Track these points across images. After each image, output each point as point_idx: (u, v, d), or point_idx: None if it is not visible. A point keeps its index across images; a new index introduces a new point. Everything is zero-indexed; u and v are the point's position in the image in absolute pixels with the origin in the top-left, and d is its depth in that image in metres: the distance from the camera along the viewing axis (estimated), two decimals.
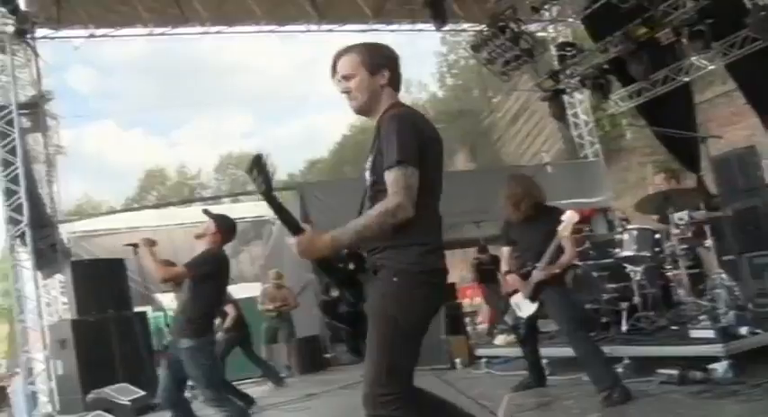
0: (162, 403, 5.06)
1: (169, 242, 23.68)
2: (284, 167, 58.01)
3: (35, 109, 12.65)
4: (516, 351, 7.61)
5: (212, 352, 4.98)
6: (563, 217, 5.39)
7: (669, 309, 6.63)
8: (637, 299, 6.38)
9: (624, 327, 6.34)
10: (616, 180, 18.00)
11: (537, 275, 5.40)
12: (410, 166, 2.60)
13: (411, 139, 2.66)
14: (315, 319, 12.55)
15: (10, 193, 11.46)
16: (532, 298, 5.52)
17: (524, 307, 5.71)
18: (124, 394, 8.44)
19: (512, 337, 7.94)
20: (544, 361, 6.62)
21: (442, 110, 33.06)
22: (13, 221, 11.42)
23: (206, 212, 5.28)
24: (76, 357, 10.02)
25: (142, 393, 8.93)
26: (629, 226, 6.88)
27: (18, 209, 11.43)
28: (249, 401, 7.49)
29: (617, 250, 6.76)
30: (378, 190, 2.71)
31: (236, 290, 19.92)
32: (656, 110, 12.92)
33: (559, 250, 5.42)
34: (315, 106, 70.75)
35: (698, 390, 4.84)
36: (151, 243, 5.00)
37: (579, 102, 15.45)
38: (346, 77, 2.86)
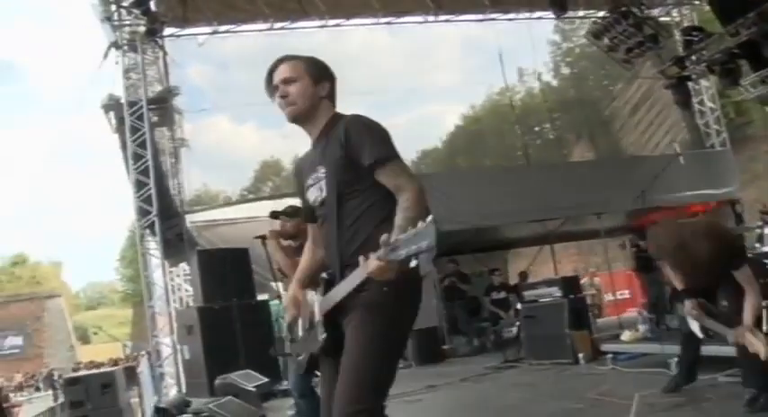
0: (293, 392, 5.16)
1: None
2: None
3: (163, 104, 13.23)
4: (642, 348, 7.44)
5: None
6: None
7: None
8: None
9: (764, 327, 6.00)
10: (741, 170, 17.12)
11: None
12: (400, 159, 2.62)
13: (388, 136, 2.66)
14: (433, 311, 12.60)
15: (140, 185, 12.04)
16: None
17: None
18: (249, 380, 8.70)
19: (638, 333, 7.78)
20: (674, 360, 6.44)
21: (557, 99, 32.49)
22: (142, 212, 12.01)
23: (278, 213, 5.28)
24: (202, 343, 10.44)
25: (265, 379, 9.19)
26: None
27: (147, 201, 12.01)
28: None
29: (756, 245, 6.44)
30: (348, 195, 2.64)
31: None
32: None
33: None
34: (426, 97, 70.72)
35: None
36: (279, 234, 5.10)
37: (705, 88, 14.85)
38: (287, 81, 2.79)
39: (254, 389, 8.18)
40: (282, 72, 2.81)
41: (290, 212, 5.25)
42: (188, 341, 10.90)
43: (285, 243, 5.10)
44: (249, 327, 10.71)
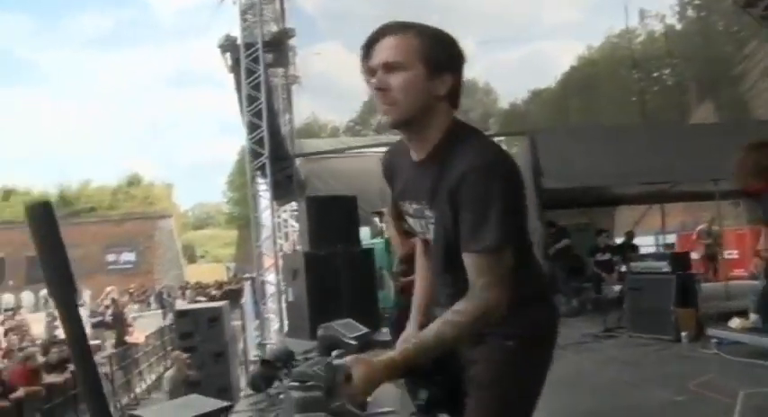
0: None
1: None
2: (506, 96, 57.35)
3: (279, 45, 13.33)
4: (751, 338, 7.19)
5: None
6: None
7: None
8: None
9: None
10: None
11: None
12: (509, 249, 1.93)
13: (516, 208, 1.98)
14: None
15: (253, 127, 12.30)
16: None
17: None
18: (350, 330, 8.85)
19: (748, 322, 7.51)
20: None
21: (681, 43, 30.77)
22: (254, 153, 12.29)
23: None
24: (306, 287, 10.70)
25: (365, 330, 9.32)
26: None
27: (260, 143, 12.27)
28: None
29: None
30: (447, 254, 2.06)
31: None
32: None
33: None
34: (541, 33, 68.51)
35: None
36: (396, 215, 5.12)
37: None
38: (389, 67, 1.94)
39: (354, 343, 8.35)
40: (386, 49, 1.95)
41: None
42: (292, 283, 11.22)
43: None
44: (353, 274, 10.87)
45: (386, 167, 2.29)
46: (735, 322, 7.55)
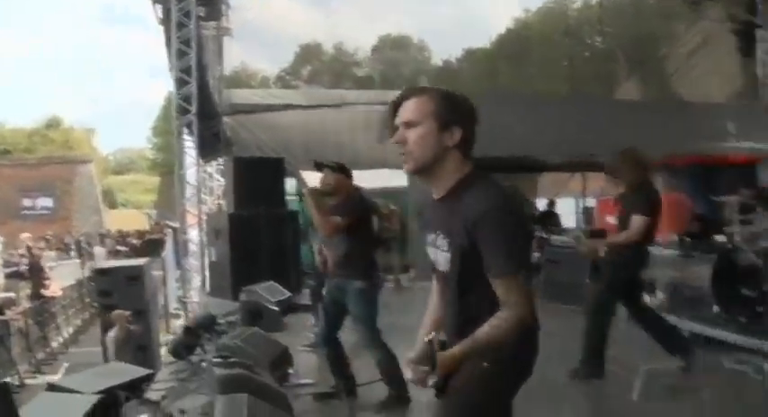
0: (318, 342, 5.36)
1: (320, 124, 24.42)
2: (440, 53, 57.20)
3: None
4: None
5: (377, 295, 5.20)
6: None
7: None
8: None
9: None
10: None
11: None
12: (523, 274, 2.30)
13: (522, 242, 2.38)
14: None
15: (182, 83, 12.01)
16: None
17: None
18: (272, 294, 8.96)
19: (656, 300, 7.83)
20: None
21: (614, 10, 31.13)
22: (182, 110, 12.03)
23: (322, 164, 5.30)
24: (229, 248, 10.72)
25: (287, 293, 9.46)
26: None
27: (188, 99, 12.00)
28: None
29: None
30: (468, 282, 2.36)
31: (380, 177, 20.49)
32: None
33: None
34: None
35: None
36: (318, 193, 5.14)
37: None
38: (408, 124, 2.34)
39: (277, 308, 8.43)
40: (406, 111, 2.36)
41: (335, 166, 5.28)
42: (215, 243, 11.20)
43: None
44: (276, 236, 10.95)
45: (420, 209, 2.87)
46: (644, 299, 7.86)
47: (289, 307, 9.35)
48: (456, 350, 2.30)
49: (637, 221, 5.56)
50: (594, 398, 5.39)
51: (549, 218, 14.00)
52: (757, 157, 14.17)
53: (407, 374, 2.39)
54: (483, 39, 48.30)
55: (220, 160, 14.46)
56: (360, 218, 5.12)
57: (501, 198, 2.29)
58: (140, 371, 6.19)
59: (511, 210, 2.29)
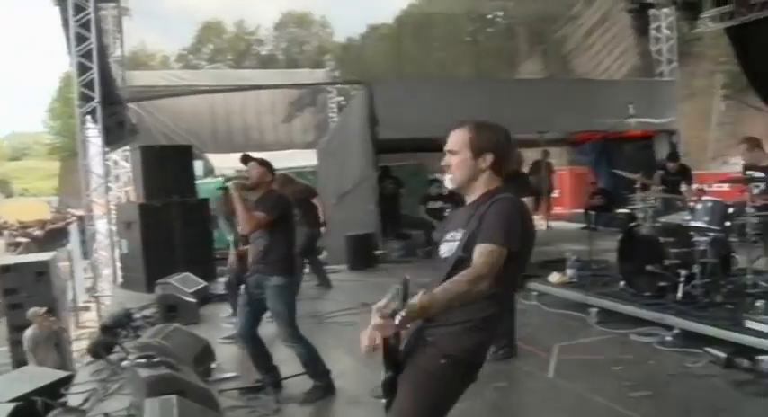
0: (238, 339, 5.37)
1: (225, 107, 24.06)
2: (343, 29, 56.88)
3: None
4: (568, 294, 7.84)
5: (296, 291, 5.24)
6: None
7: (725, 277, 6.71)
8: (696, 268, 6.44)
9: (679, 294, 6.45)
10: (681, 85, 17.37)
11: None
12: (506, 250, 2.61)
13: (519, 228, 2.69)
14: (370, 215, 12.87)
15: (83, 69, 11.60)
16: None
17: None
18: (188, 285, 8.86)
19: (565, 277, 8.15)
20: (594, 310, 6.95)
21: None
22: (84, 97, 11.63)
23: (249, 158, 5.36)
24: (141, 239, 10.52)
25: (203, 283, 9.37)
26: (705, 198, 6.86)
27: (90, 86, 11.61)
28: None
29: (688, 217, 6.79)
30: (455, 266, 2.67)
31: (288, 157, 20.37)
32: (746, 35, 12.45)
33: None
34: None
35: (742, 380, 5.03)
36: (242, 187, 5.13)
37: (665, 15, 14.81)
38: (451, 152, 2.87)
39: (193, 300, 8.36)
40: (450, 141, 2.88)
41: (261, 161, 5.35)
42: (126, 235, 10.96)
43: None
44: (188, 225, 10.82)
45: (449, 216, 3.24)
46: (554, 276, 8.17)
47: (205, 298, 9.28)
48: (414, 303, 2.47)
49: None
50: (514, 377, 5.59)
51: (458, 197, 14.23)
52: (653, 132, 14.83)
53: (373, 319, 2.51)
54: (386, 15, 48.26)
55: (127, 148, 14.05)
56: (281, 215, 5.16)
57: (511, 198, 2.77)
58: (57, 374, 6.07)
59: (516, 207, 2.74)
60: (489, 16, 37.06)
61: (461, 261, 2.65)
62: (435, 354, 2.64)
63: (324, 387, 5.21)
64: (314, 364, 5.21)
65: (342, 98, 30.44)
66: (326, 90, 25.70)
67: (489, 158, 2.83)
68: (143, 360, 4.98)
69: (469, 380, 2.74)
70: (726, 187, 11.04)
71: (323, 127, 24.82)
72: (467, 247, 2.66)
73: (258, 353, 5.37)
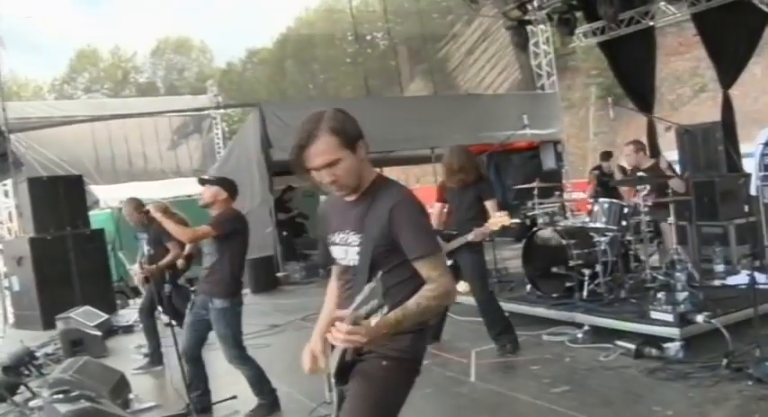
0: (184, 360, 5.22)
1: (107, 136, 23.35)
2: (223, 54, 56.21)
3: None
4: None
5: (241, 313, 5.16)
6: (497, 214, 6.00)
7: (626, 274, 7.08)
8: (599, 267, 6.76)
9: (585, 293, 6.75)
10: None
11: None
12: (441, 254, 2.57)
13: (430, 226, 2.69)
14: (268, 238, 12.78)
15: None
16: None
17: None
18: (89, 318, 8.54)
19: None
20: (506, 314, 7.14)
21: (393, 7, 32.43)
22: None
23: (204, 180, 5.31)
24: (34, 274, 10.07)
25: (105, 316, 9.07)
26: (601, 200, 7.21)
27: None
28: None
29: (587, 219, 7.12)
30: (381, 268, 2.45)
31: (174, 186, 19.91)
32: (617, 48, 13.19)
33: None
34: None
35: (653, 367, 5.31)
36: (163, 209, 5.04)
37: (542, 31, 15.51)
38: (330, 165, 2.52)
39: (99, 333, 8.06)
40: (318, 155, 2.48)
41: (214, 180, 5.29)
42: (17, 271, 10.45)
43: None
44: (84, 257, 10.46)
45: (322, 214, 2.85)
46: (461, 286, 8.33)
47: (109, 330, 8.97)
48: (390, 316, 2.34)
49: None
50: (438, 383, 5.68)
51: None
52: (539, 143, 15.45)
53: (334, 334, 2.25)
54: (265, 39, 48.19)
55: (6, 181, 13.39)
56: (232, 233, 5.09)
57: (403, 193, 2.59)
58: None
59: (413, 202, 2.57)
60: (369, 37, 37.56)
61: (375, 268, 2.47)
62: (376, 359, 2.55)
63: (268, 405, 5.17)
64: (260, 383, 5.16)
65: (226, 124, 30.12)
66: (211, 116, 25.44)
67: (362, 144, 2.56)
68: (60, 396, 4.79)
69: (415, 374, 2.67)
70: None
71: (209, 153, 24.53)
72: (378, 257, 2.52)
73: (198, 375, 5.27)
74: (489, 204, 6.14)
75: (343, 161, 2.49)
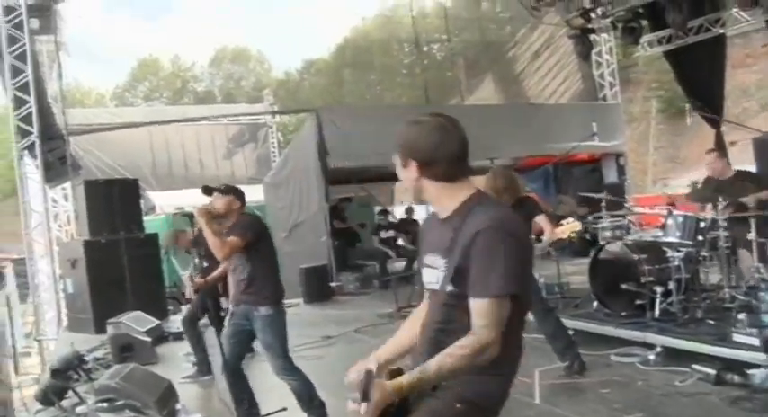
0: (224, 372, 4.99)
1: (164, 142, 23.63)
2: (280, 64, 56.57)
3: (45, 10, 12.11)
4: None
5: (285, 321, 4.91)
6: (564, 222, 5.87)
7: (702, 292, 6.64)
8: (672, 284, 6.35)
9: (657, 312, 6.34)
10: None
11: None
12: (507, 301, 2.20)
13: (518, 266, 2.23)
14: (323, 247, 12.57)
15: (19, 102, 11.13)
16: None
17: None
18: (140, 323, 8.41)
19: None
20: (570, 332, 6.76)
21: (451, 20, 32.17)
22: (21, 132, 11.14)
23: (212, 188, 5.06)
24: (87, 277, 10.02)
25: (156, 322, 8.93)
26: (675, 213, 6.78)
27: (27, 120, 11.13)
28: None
29: (660, 233, 6.72)
30: (455, 305, 2.28)
31: None
32: (684, 57, 12.71)
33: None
34: (315, 1, 68.35)
35: (735, 396, 4.89)
36: (207, 213, 4.80)
37: (605, 41, 15.10)
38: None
39: (148, 339, 7.92)
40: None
41: (224, 189, 5.04)
42: (72, 274, 10.42)
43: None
44: (137, 261, 10.38)
45: (421, 233, 2.62)
46: None
47: (159, 337, 8.83)
48: (404, 379, 2.20)
49: None
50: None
51: (410, 225, 14.13)
52: (600, 155, 15.00)
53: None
54: (322, 49, 48.44)
55: (66, 185, 13.50)
56: (258, 238, 4.85)
57: (496, 217, 2.26)
58: None
59: (504, 231, 2.22)
60: (425, 48, 37.38)
61: (453, 296, 2.27)
62: (451, 398, 2.27)
63: None
64: (308, 396, 4.88)
65: (281, 133, 30.21)
66: (267, 125, 25.56)
67: (413, 166, 2.35)
68: (104, 404, 4.61)
69: None
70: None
71: (264, 162, 24.61)
72: (456, 282, 2.26)
73: (240, 388, 5.02)
74: (541, 219, 5.84)
75: (399, 168, 2.41)
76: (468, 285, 2.22)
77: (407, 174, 2.36)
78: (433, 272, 2.37)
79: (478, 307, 2.19)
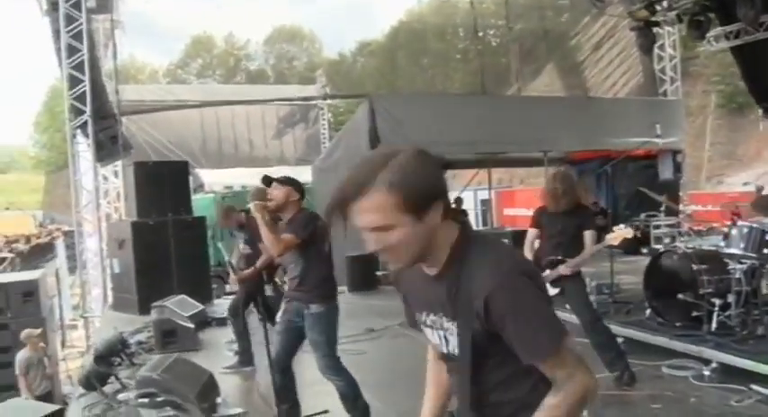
0: (272, 368, 4.90)
1: (215, 122, 23.80)
2: (332, 45, 56.49)
3: None
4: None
5: (337, 320, 4.79)
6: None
7: (759, 308, 6.34)
8: (731, 297, 6.08)
9: (714, 325, 6.08)
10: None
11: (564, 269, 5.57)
12: (563, 349, 1.89)
13: (545, 303, 1.93)
14: None
15: (74, 81, 11.19)
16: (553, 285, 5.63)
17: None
18: (184, 308, 8.40)
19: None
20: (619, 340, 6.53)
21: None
22: (75, 110, 11.21)
23: (272, 179, 4.91)
24: (134, 258, 10.07)
25: (200, 306, 8.91)
26: (740, 223, 6.47)
27: (81, 99, 11.19)
28: None
29: (722, 243, 6.42)
30: (486, 358, 1.99)
31: (276, 174, 20.12)
32: (753, 54, 12.22)
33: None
34: None
35: None
36: (264, 207, 4.68)
37: (668, 34, 14.61)
38: (379, 229, 1.85)
39: (191, 325, 7.90)
40: (365, 213, 1.79)
41: (283, 180, 4.89)
42: (118, 254, 10.49)
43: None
44: (184, 244, 10.41)
45: (397, 280, 2.24)
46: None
47: (202, 322, 8.82)
48: None
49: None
50: None
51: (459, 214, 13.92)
52: (657, 151, 14.57)
53: None
54: (375, 31, 48.28)
55: (117, 163, 13.61)
56: (313, 236, 4.70)
57: (504, 267, 1.89)
58: (47, 408, 5.61)
59: (518, 279, 1.87)
60: (481, 33, 36.96)
61: (478, 357, 1.97)
62: None
63: None
64: (353, 398, 4.74)
65: (332, 115, 30.16)
66: (318, 107, 25.52)
67: (439, 207, 1.83)
68: (145, 399, 4.56)
69: None
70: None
71: (314, 144, 24.60)
72: (481, 348, 1.95)
73: (286, 386, 4.91)
74: (588, 234, 5.56)
75: (398, 229, 1.79)
76: (490, 345, 1.93)
77: (425, 223, 1.83)
78: (444, 335, 2.05)
79: (547, 368, 1.91)
